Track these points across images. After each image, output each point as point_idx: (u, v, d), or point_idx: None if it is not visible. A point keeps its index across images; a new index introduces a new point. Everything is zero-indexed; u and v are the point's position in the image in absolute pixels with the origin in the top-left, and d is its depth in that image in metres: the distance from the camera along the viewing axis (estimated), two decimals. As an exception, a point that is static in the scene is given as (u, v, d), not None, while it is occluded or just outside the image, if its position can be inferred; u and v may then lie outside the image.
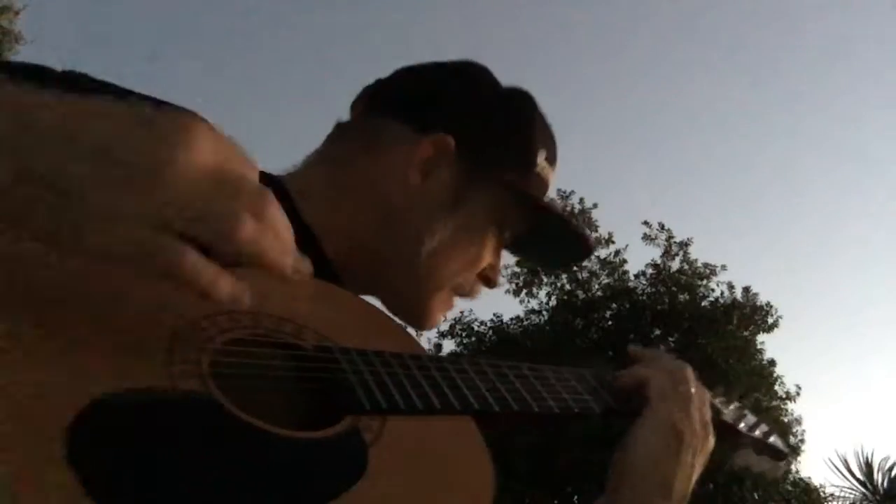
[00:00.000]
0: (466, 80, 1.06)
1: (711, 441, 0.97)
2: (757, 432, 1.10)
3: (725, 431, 1.07)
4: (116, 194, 0.47)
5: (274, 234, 0.54)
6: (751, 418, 1.11)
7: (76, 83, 0.78)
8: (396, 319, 0.91)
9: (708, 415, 0.97)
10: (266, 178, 0.95)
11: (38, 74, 0.76)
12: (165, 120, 0.49)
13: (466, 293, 1.04)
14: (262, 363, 0.64)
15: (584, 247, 1.13)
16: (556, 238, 1.08)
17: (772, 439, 1.11)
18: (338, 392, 0.67)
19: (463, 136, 0.98)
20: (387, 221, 0.97)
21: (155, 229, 0.49)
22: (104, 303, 0.58)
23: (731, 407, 1.10)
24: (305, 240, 0.92)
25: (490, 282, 1.06)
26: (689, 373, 0.98)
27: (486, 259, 1.02)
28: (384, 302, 1.01)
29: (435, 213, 0.97)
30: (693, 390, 0.95)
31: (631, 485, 0.89)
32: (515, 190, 1.01)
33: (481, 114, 1.02)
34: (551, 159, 1.07)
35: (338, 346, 0.71)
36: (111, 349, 0.55)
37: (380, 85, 1.06)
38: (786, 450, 1.12)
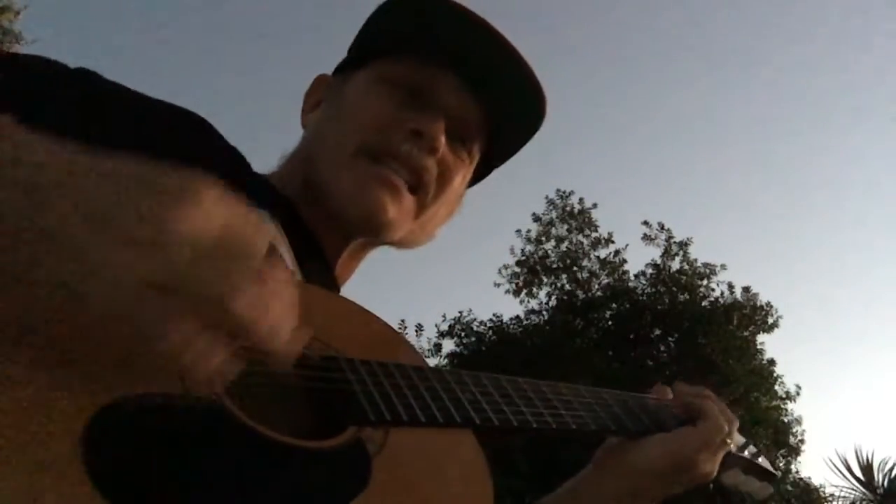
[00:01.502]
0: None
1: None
2: (745, 453, 1.11)
3: None
4: (116, 257, 0.47)
5: (270, 310, 0.53)
6: (739, 438, 1.12)
7: (87, 81, 0.81)
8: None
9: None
10: (255, 178, 0.96)
11: (49, 72, 0.79)
12: (169, 183, 0.49)
13: (395, 158, 0.94)
14: (270, 372, 0.65)
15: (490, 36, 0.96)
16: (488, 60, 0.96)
17: (760, 460, 1.12)
18: (342, 403, 0.68)
19: (338, 66, 1.07)
20: (300, 159, 1.02)
21: (152, 293, 0.48)
22: None
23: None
24: (299, 229, 0.93)
25: (420, 135, 0.94)
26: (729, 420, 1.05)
27: (382, 115, 0.95)
28: (342, 222, 0.96)
29: (317, 116, 1.04)
30: (725, 407, 1.05)
31: (634, 482, 0.98)
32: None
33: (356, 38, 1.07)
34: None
35: (343, 356, 0.72)
36: (123, 356, 0.55)
37: None
38: (774, 471, 1.14)
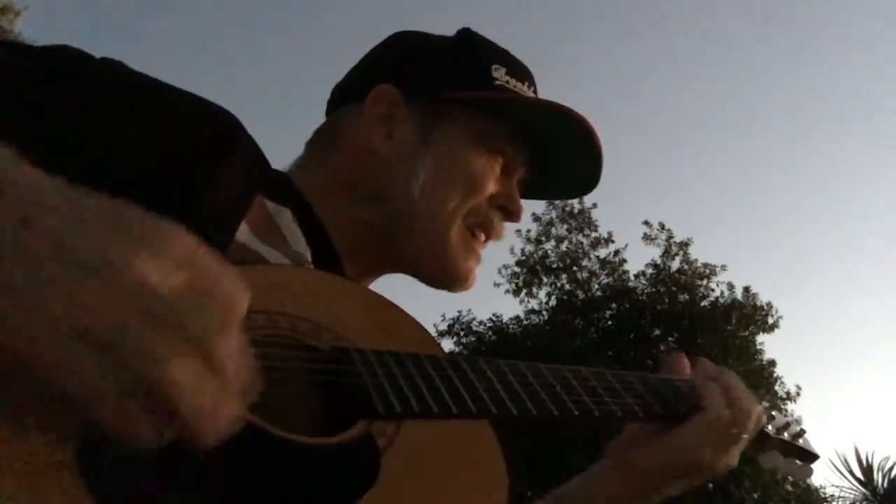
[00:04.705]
0: (394, 40, 1.09)
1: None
2: (786, 434, 1.07)
3: None
4: (56, 304, 0.43)
5: (202, 389, 0.45)
6: (780, 419, 1.09)
7: (112, 73, 0.78)
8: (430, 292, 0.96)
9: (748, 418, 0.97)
10: (276, 176, 0.96)
11: (79, 62, 0.76)
12: (139, 224, 0.46)
13: (485, 228, 1.02)
14: (279, 365, 0.64)
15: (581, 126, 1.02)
16: (559, 139, 1.03)
17: (801, 441, 1.09)
18: (353, 395, 0.66)
19: (403, 80, 1.00)
20: (377, 194, 0.98)
21: (84, 346, 0.43)
22: None
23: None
24: (319, 235, 0.94)
25: (510, 213, 1.03)
26: (735, 377, 0.99)
27: (489, 185, 1.00)
28: (414, 271, 1.02)
29: (411, 157, 0.98)
30: (743, 395, 0.96)
31: (669, 475, 0.93)
32: (472, 102, 0.99)
33: (413, 55, 1.05)
34: (518, 75, 1.03)
35: (354, 346, 0.70)
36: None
37: (334, 88, 1.11)
38: (815, 451, 1.10)
